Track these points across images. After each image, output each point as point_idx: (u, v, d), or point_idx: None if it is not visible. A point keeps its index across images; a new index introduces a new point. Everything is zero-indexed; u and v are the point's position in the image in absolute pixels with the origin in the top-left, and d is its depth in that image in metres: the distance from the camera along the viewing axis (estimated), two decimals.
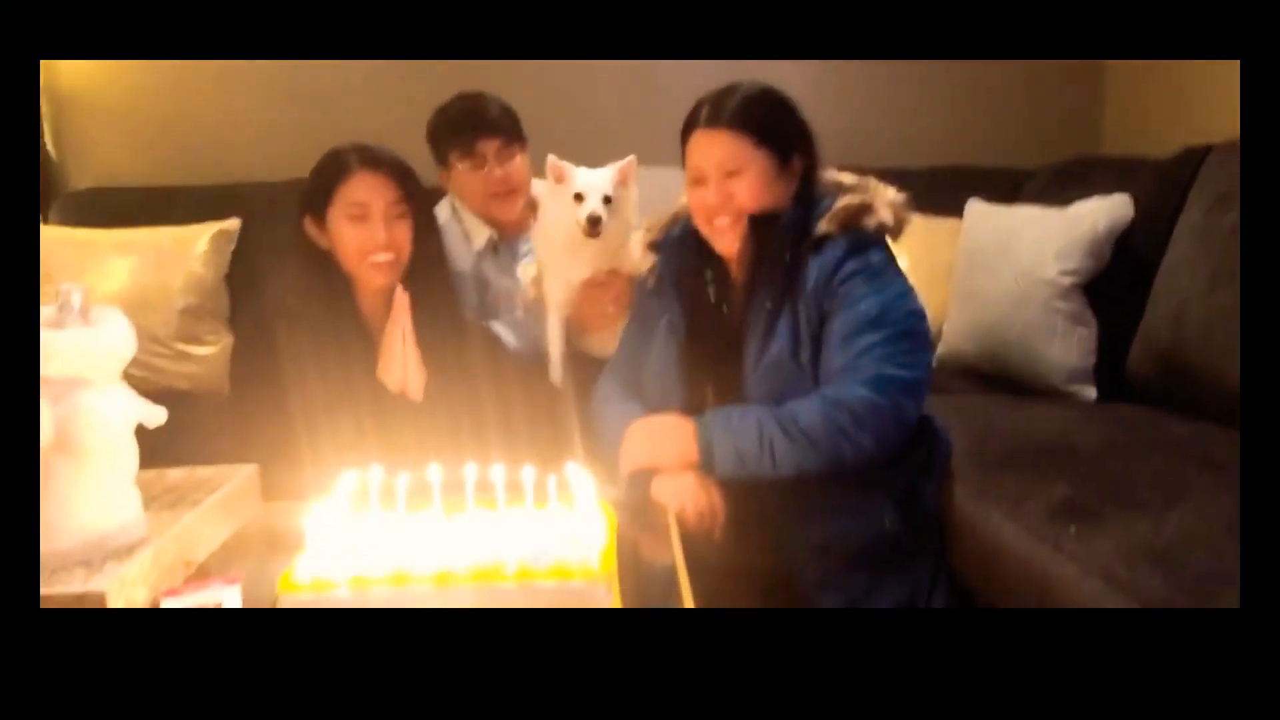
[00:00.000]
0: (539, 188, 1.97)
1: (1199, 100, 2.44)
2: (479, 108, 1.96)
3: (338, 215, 1.57)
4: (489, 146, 1.93)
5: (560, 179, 1.74)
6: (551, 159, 1.75)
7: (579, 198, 1.71)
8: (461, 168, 1.95)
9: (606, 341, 1.79)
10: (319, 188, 1.58)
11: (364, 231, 1.56)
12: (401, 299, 1.58)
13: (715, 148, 1.47)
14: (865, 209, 1.47)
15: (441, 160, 2.00)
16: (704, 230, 1.54)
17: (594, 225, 1.69)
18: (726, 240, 1.51)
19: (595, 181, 1.72)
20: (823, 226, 1.46)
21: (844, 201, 1.48)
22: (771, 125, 1.49)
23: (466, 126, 1.93)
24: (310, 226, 1.61)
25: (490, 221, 2.00)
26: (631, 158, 1.75)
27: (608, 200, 1.71)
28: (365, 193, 1.56)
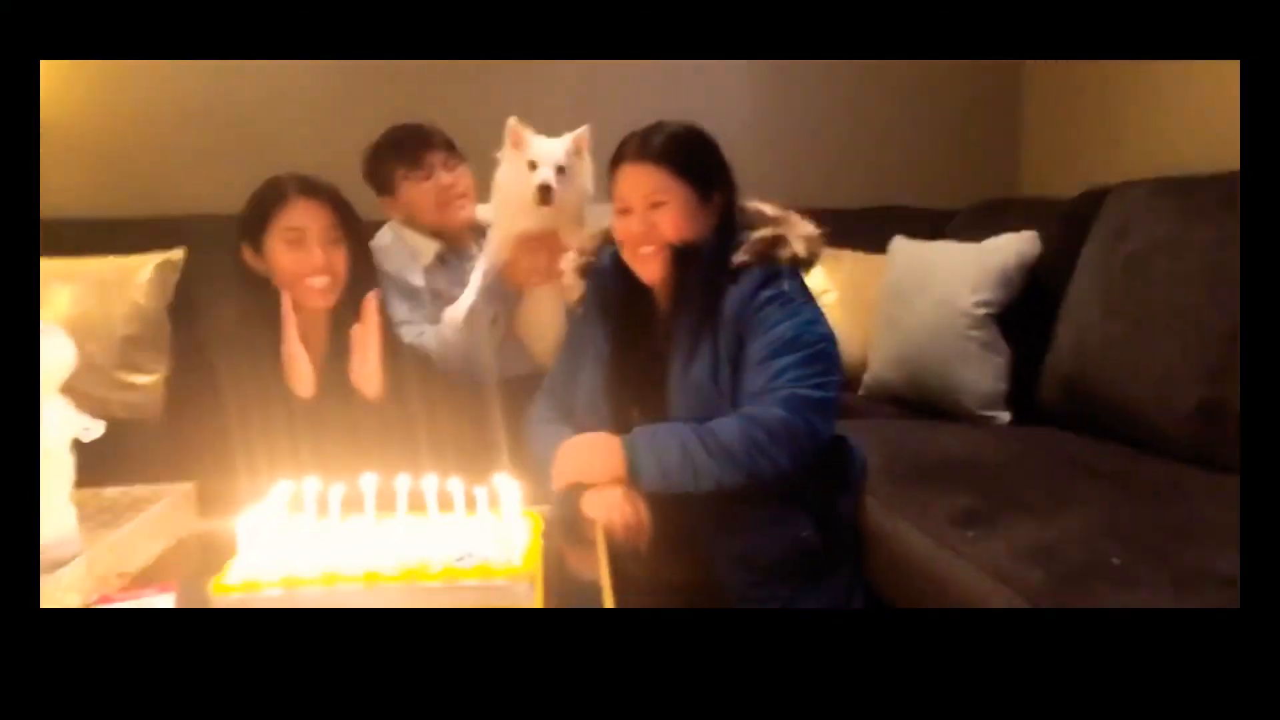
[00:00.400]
0: (484, 211, 2.07)
1: (1108, 143, 2.61)
2: (418, 127, 2.08)
3: (275, 240, 1.63)
4: (435, 157, 2.04)
5: (517, 144, 1.84)
6: (512, 121, 1.84)
7: (533, 165, 1.80)
8: (409, 181, 2.05)
9: (543, 342, 1.86)
10: (256, 215, 1.64)
11: (301, 255, 1.61)
12: (370, 303, 1.64)
13: (641, 179, 1.57)
14: (779, 241, 1.57)
15: (384, 185, 2.09)
16: (628, 258, 1.62)
17: (545, 193, 1.79)
18: (650, 268, 1.60)
19: (549, 150, 1.81)
20: (739, 257, 1.56)
21: (759, 234, 1.58)
22: (694, 161, 1.59)
23: (410, 143, 2.05)
24: (248, 253, 1.67)
25: (440, 231, 2.08)
26: (585, 127, 1.85)
27: (561, 170, 1.80)
28: (302, 218, 1.62)
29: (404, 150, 2.05)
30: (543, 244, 1.89)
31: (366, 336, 1.63)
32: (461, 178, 2.07)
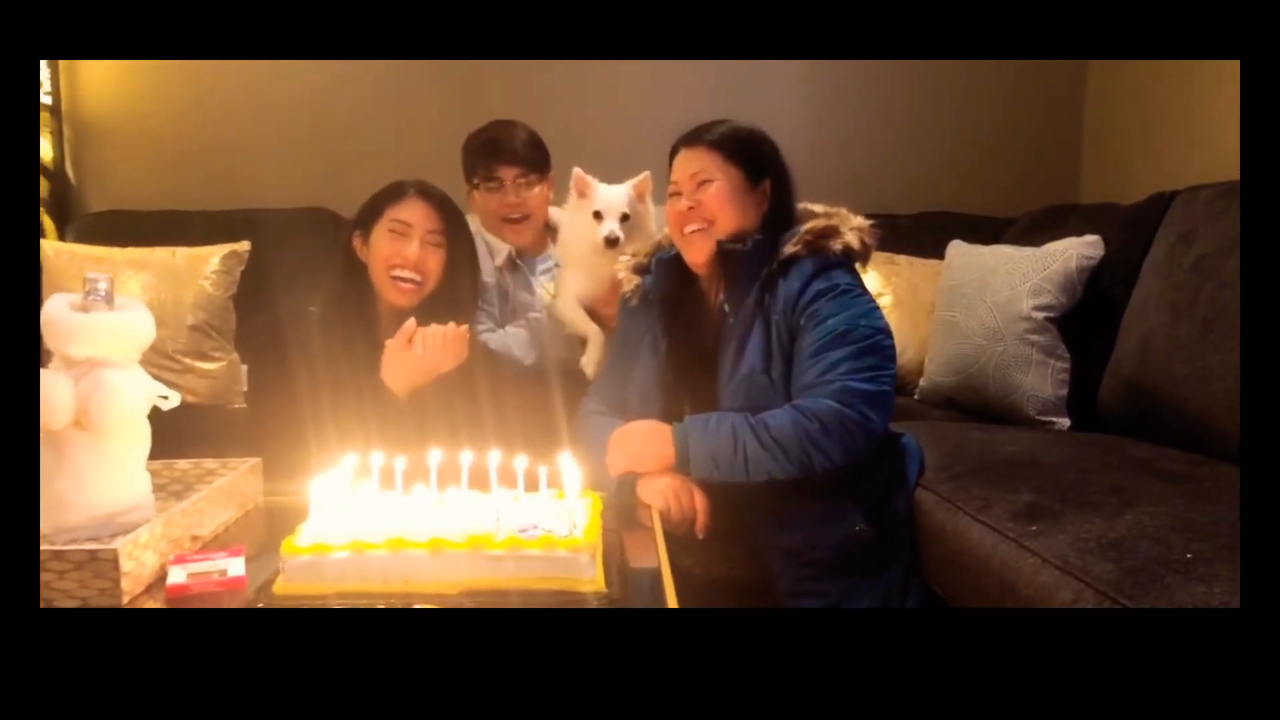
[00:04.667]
0: (558, 214, 2.11)
1: (1171, 151, 2.56)
2: (505, 135, 2.09)
3: (381, 229, 1.72)
4: (508, 173, 2.06)
5: (583, 193, 1.88)
6: (577, 172, 1.89)
7: (598, 216, 1.85)
8: (481, 189, 2.09)
9: (598, 357, 1.88)
10: (373, 207, 1.74)
11: (398, 246, 1.69)
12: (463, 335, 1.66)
13: (690, 161, 1.60)
14: (831, 232, 1.56)
15: (468, 180, 2.14)
16: (677, 241, 1.64)
17: (612, 244, 1.84)
18: (695, 249, 1.61)
19: (613, 200, 1.86)
20: (790, 249, 1.56)
21: (810, 225, 1.58)
22: (746, 149, 1.60)
23: (489, 152, 2.07)
24: (356, 241, 1.76)
25: (520, 242, 2.12)
26: (647, 174, 1.89)
27: (625, 218, 1.85)
28: (411, 214, 1.71)
29: (481, 158, 2.08)
30: (615, 293, 1.88)
31: (445, 346, 1.63)
32: (530, 199, 2.09)
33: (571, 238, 1.94)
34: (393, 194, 1.73)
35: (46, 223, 2.71)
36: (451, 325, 1.64)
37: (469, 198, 2.15)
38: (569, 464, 1.23)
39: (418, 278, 1.70)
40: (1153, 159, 2.66)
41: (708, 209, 1.58)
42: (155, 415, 1.29)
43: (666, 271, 1.72)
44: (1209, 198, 1.91)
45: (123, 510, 1.23)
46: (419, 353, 1.62)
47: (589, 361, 1.95)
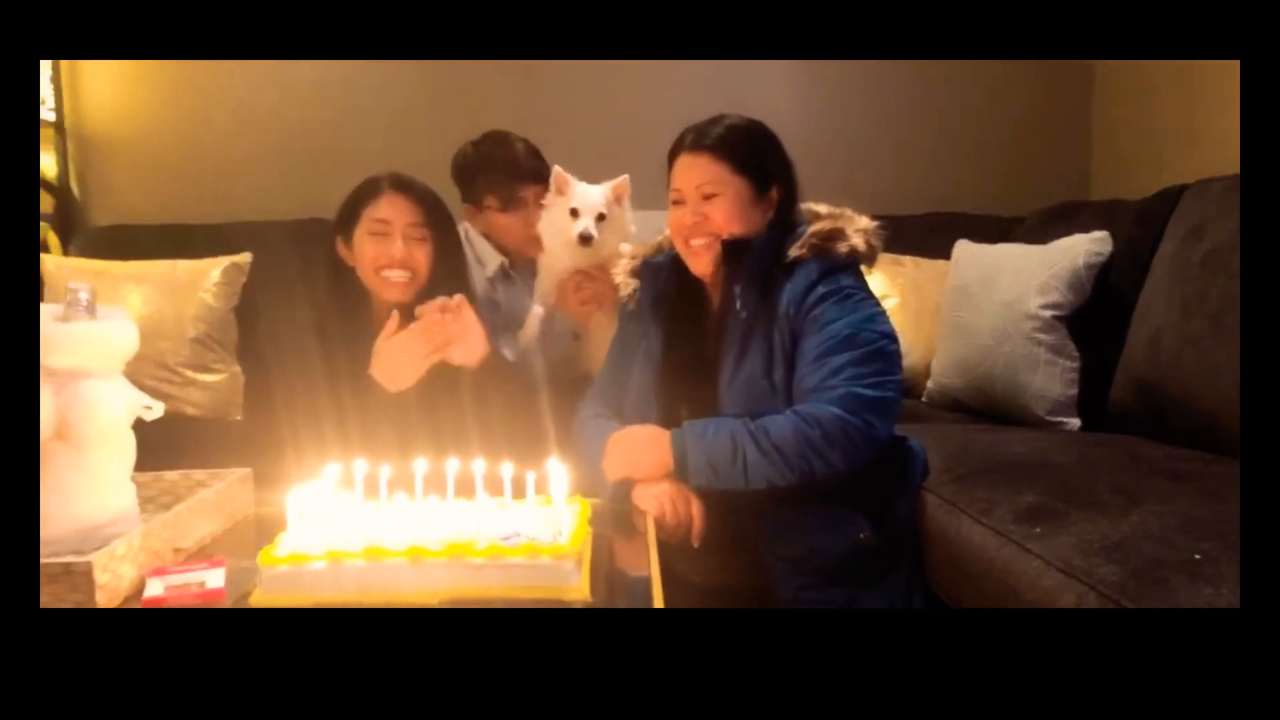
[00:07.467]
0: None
1: (1180, 147, 2.51)
2: (515, 155, 2.07)
3: (362, 232, 1.69)
4: (530, 192, 2.04)
5: (561, 191, 1.88)
6: (557, 170, 1.89)
7: (574, 213, 1.85)
8: (501, 212, 2.06)
9: (596, 352, 1.86)
10: (350, 208, 1.71)
11: (382, 246, 1.67)
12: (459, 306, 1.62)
13: (696, 170, 1.55)
14: (837, 235, 1.53)
15: (473, 199, 2.11)
16: (680, 250, 1.60)
17: (586, 241, 1.84)
18: (701, 260, 1.57)
19: (591, 199, 1.86)
20: (795, 251, 1.53)
21: (816, 227, 1.54)
22: (752, 154, 1.56)
23: (508, 174, 2.04)
24: (340, 246, 1.73)
25: (515, 252, 2.10)
26: (625, 177, 1.89)
27: (601, 217, 1.85)
28: (389, 211, 1.68)
29: (497, 180, 2.05)
30: (586, 278, 1.89)
31: (429, 327, 1.59)
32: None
33: (549, 229, 1.94)
34: (368, 192, 1.70)
35: (51, 238, 2.71)
36: (441, 299, 1.59)
37: (469, 210, 2.12)
38: (556, 469, 1.20)
39: (407, 275, 1.67)
40: (1162, 155, 2.61)
41: (715, 224, 1.54)
42: (155, 427, 1.27)
43: (656, 275, 1.69)
44: (1220, 190, 1.86)
45: (105, 523, 1.21)
46: (417, 338, 1.57)
47: (523, 334, 1.96)
